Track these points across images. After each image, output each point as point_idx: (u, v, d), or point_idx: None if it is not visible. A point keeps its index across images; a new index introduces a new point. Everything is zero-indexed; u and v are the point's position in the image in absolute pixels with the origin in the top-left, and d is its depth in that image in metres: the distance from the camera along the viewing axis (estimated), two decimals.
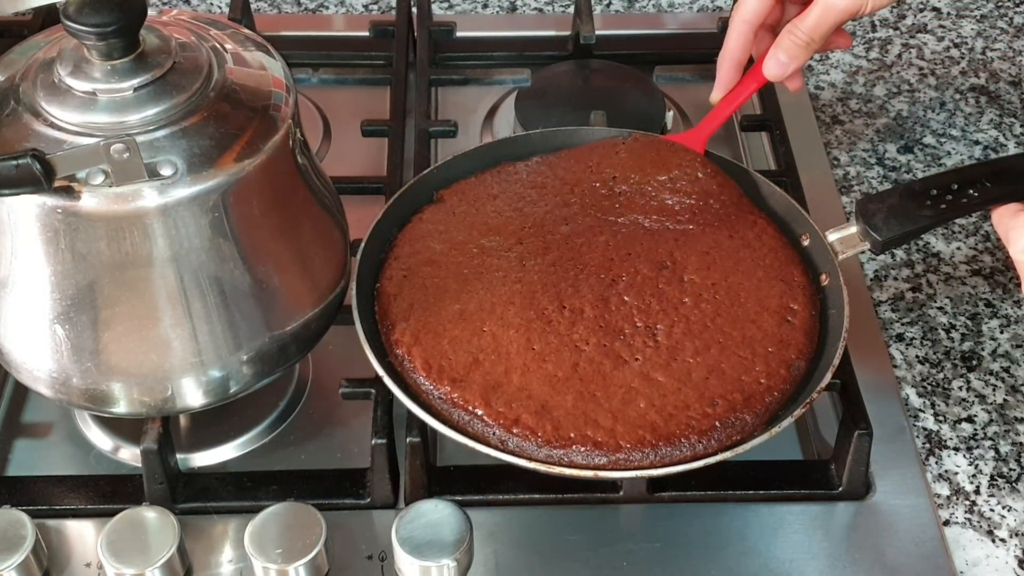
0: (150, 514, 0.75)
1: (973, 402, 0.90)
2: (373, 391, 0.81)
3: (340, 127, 1.10)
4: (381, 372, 0.78)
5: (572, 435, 0.75)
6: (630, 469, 0.74)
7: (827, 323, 0.82)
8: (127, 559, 0.73)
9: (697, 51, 1.19)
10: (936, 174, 0.84)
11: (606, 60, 1.14)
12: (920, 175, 1.07)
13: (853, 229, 0.84)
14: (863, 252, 0.85)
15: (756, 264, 0.84)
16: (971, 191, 0.82)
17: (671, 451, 0.75)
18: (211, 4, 1.28)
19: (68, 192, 0.68)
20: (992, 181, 0.82)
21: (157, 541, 0.74)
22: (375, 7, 1.28)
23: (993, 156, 1.10)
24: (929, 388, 0.90)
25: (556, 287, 0.82)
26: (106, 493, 0.81)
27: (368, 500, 0.80)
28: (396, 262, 0.85)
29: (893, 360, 0.92)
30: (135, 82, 0.70)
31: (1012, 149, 1.10)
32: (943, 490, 0.84)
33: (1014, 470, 0.85)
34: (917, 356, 0.93)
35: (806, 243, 0.86)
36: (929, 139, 1.12)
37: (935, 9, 1.27)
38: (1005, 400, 0.90)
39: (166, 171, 0.68)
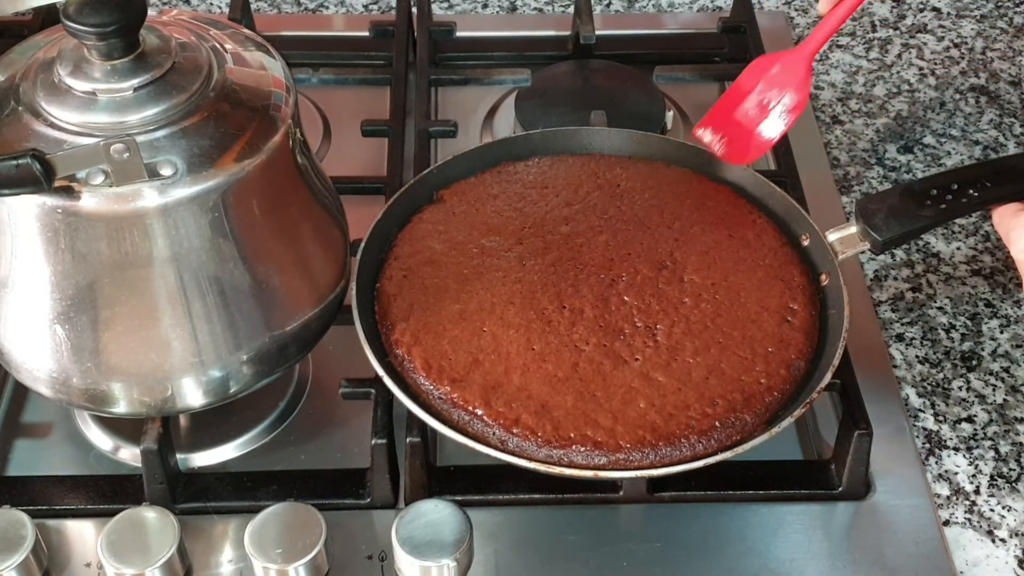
0: (150, 514, 0.75)
1: (973, 402, 0.90)
2: (373, 391, 0.81)
3: (340, 127, 1.10)
4: (381, 372, 0.78)
5: (572, 435, 0.75)
6: (630, 469, 0.74)
7: (827, 323, 0.82)
8: (127, 559, 0.73)
9: (697, 51, 1.19)
10: (936, 174, 0.84)
11: (606, 60, 1.14)
12: (920, 175, 1.07)
13: (853, 229, 0.84)
14: (863, 252, 0.85)
15: (756, 264, 0.85)
16: (971, 191, 0.82)
17: (671, 451, 0.75)
18: (211, 4, 1.28)
19: (68, 192, 0.68)
20: (992, 181, 0.82)
21: (157, 541, 0.74)
22: (375, 7, 1.28)
23: (993, 156, 1.10)
24: (929, 388, 0.90)
25: (556, 287, 0.83)
26: (106, 493, 0.81)
27: (368, 500, 0.80)
28: (396, 262, 0.85)
29: (893, 360, 0.92)
30: (135, 82, 0.70)
31: (1012, 149, 1.10)
32: (943, 490, 0.84)
33: (1014, 470, 0.85)
34: (917, 356, 0.93)
35: (806, 243, 0.86)
36: (929, 139, 1.12)
37: (935, 9, 1.27)
38: (1005, 400, 0.90)
39: (166, 171, 0.68)
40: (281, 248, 0.77)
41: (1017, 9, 1.27)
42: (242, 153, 0.71)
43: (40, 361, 0.75)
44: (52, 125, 0.69)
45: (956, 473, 0.85)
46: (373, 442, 0.79)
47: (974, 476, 0.85)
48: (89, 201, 0.68)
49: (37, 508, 0.79)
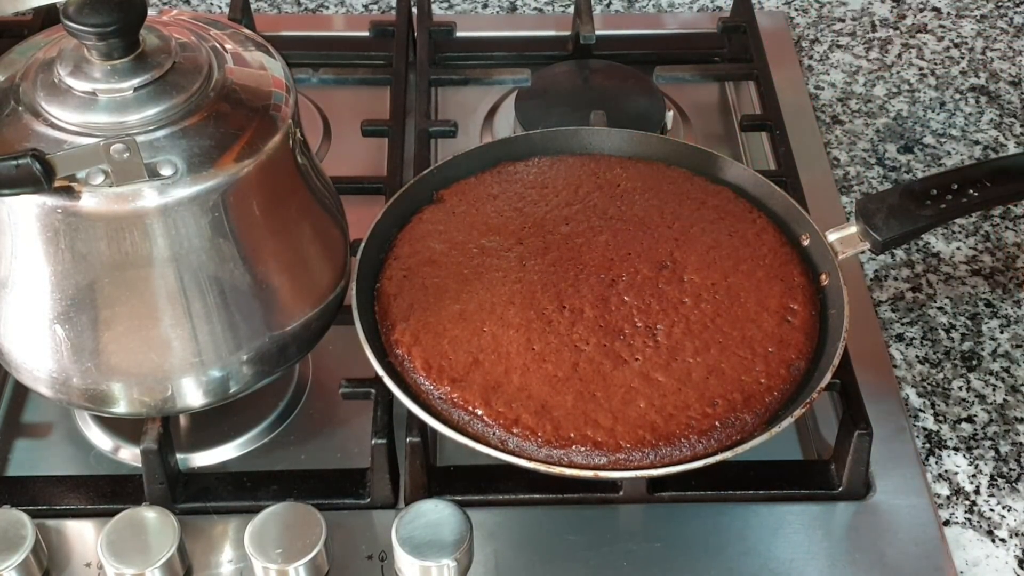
0: (150, 514, 0.75)
1: (973, 402, 0.90)
2: (373, 391, 0.81)
3: (340, 127, 1.10)
4: (381, 372, 0.78)
5: (572, 435, 0.75)
6: (630, 469, 0.74)
7: (827, 323, 0.82)
8: (127, 559, 0.73)
9: (697, 51, 1.19)
10: (936, 174, 0.84)
11: (606, 60, 1.14)
12: (920, 175, 1.07)
13: (853, 229, 0.84)
14: (863, 252, 0.85)
15: (756, 264, 0.84)
16: (971, 191, 0.82)
17: (671, 451, 0.75)
18: (211, 4, 1.28)
19: (68, 192, 0.68)
20: (992, 181, 0.82)
21: (157, 541, 0.74)
22: (375, 7, 1.28)
23: (993, 156, 1.10)
24: (929, 388, 0.90)
25: (556, 287, 0.83)
26: (106, 493, 0.81)
27: (368, 500, 0.80)
28: (396, 262, 0.85)
29: (893, 360, 0.92)
30: (135, 82, 0.70)
31: (1012, 149, 1.10)
32: (943, 490, 0.84)
33: (1014, 470, 0.85)
34: (917, 356, 0.93)
35: (806, 243, 0.86)
36: (929, 139, 1.12)
37: (935, 9, 1.27)
38: (1005, 400, 0.90)
39: (166, 171, 0.68)
40: (281, 248, 0.77)
41: (1017, 9, 1.27)
42: (242, 153, 0.71)
43: (40, 361, 0.75)
44: (52, 125, 0.69)
45: (956, 473, 0.85)
46: (373, 442, 0.79)
47: (974, 476, 0.85)
48: (89, 201, 0.68)
49: (37, 508, 0.79)
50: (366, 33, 1.17)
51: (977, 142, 1.11)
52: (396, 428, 0.81)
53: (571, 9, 1.19)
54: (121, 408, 0.77)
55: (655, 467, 0.74)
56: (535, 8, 1.27)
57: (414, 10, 1.18)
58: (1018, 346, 0.93)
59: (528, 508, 0.81)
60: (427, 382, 0.78)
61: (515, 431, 0.75)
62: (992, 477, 0.85)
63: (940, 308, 0.96)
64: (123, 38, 0.69)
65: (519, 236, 0.87)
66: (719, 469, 0.75)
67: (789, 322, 0.81)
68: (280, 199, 0.76)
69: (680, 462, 0.74)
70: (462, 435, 0.75)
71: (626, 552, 0.78)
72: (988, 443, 0.87)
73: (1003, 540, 0.81)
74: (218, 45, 0.75)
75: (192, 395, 0.77)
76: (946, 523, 0.82)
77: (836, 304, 0.82)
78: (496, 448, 0.75)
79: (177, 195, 0.69)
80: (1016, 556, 0.80)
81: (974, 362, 0.92)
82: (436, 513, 0.75)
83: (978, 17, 1.26)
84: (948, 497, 0.84)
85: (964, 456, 0.86)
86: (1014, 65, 1.20)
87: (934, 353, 0.93)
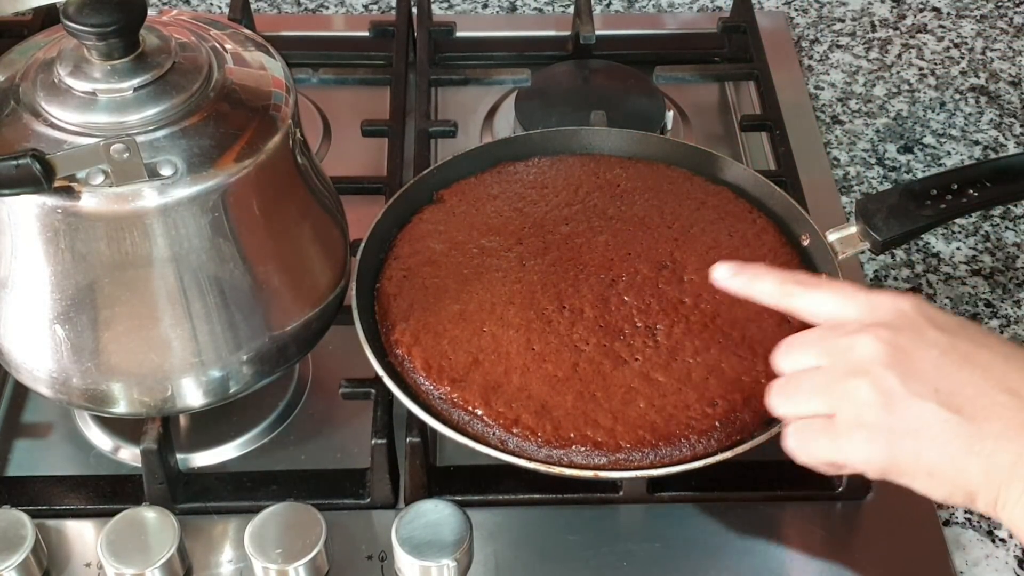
0: (150, 514, 0.75)
1: None
2: (373, 391, 0.81)
3: (340, 127, 1.10)
4: (381, 372, 0.78)
5: (572, 435, 0.75)
6: (630, 469, 0.74)
7: None
8: (127, 559, 0.73)
9: (697, 51, 1.19)
10: (936, 174, 0.84)
11: (606, 60, 1.14)
12: (920, 175, 1.07)
13: (853, 229, 0.84)
14: (863, 252, 0.85)
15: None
16: (971, 191, 0.82)
17: (671, 451, 0.75)
18: (211, 4, 1.28)
19: (68, 192, 0.68)
20: (992, 181, 0.82)
21: (157, 541, 0.74)
22: (375, 7, 1.28)
23: (993, 156, 1.10)
24: None
25: (556, 287, 0.83)
26: (106, 493, 0.81)
27: (368, 500, 0.80)
28: (396, 262, 0.85)
29: None
30: (135, 82, 0.70)
31: (1012, 149, 1.10)
32: None
33: None
34: None
35: (806, 243, 0.86)
36: (929, 139, 1.12)
37: (935, 9, 1.27)
38: None
39: (166, 171, 0.68)
40: (281, 248, 0.77)
41: (1017, 9, 1.27)
42: (242, 153, 0.71)
43: (40, 361, 0.75)
44: (52, 125, 0.69)
45: None
46: (373, 442, 0.79)
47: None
48: (89, 201, 0.68)
49: (37, 508, 0.79)
50: (366, 33, 1.17)
51: (977, 142, 1.11)
52: (396, 428, 0.81)
53: (571, 9, 1.19)
54: (121, 408, 0.77)
55: (655, 467, 0.74)
56: (535, 8, 1.27)
57: (414, 10, 1.18)
58: None
59: (528, 508, 0.81)
60: (427, 382, 0.78)
61: (515, 431, 0.75)
62: None
63: (940, 308, 0.96)
64: (123, 38, 0.69)
65: (519, 236, 0.87)
66: (719, 469, 0.75)
67: (789, 322, 0.81)
68: (280, 199, 0.76)
69: (680, 462, 0.74)
70: (462, 435, 0.75)
71: (626, 552, 0.78)
72: None
73: (1003, 540, 0.81)
74: (218, 45, 0.75)
75: (192, 395, 0.77)
76: (946, 523, 0.82)
77: None
78: (496, 448, 0.75)
79: (177, 195, 0.69)
80: (1016, 556, 0.80)
81: None
82: (436, 513, 0.75)
83: (978, 17, 1.26)
84: None
85: None
86: (1014, 65, 1.20)
87: None
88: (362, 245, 0.85)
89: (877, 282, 0.98)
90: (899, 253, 1.01)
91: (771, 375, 0.78)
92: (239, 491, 0.81)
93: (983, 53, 1.21)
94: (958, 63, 1.20)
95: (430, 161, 1.01)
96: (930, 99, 1.16)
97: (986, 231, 1.02)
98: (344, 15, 1.27)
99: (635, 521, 0.81)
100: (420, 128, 1.03)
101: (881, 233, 0.82)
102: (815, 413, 0.67)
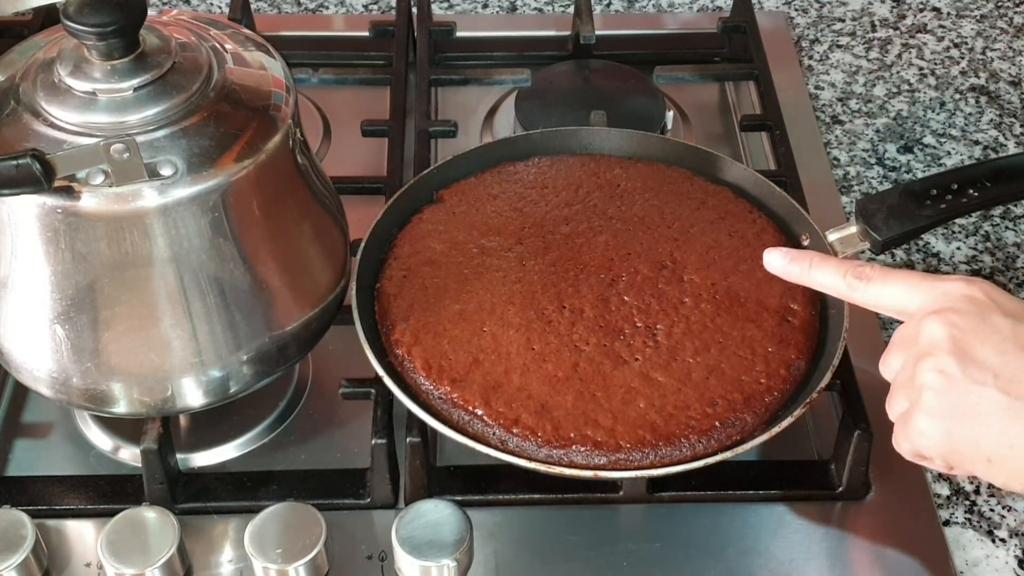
0: (150, 514, 0.75)
1: None
2: (373, 391, 0.81)
3: (340, 127, 1.10)
4: (381, 372, 0.78)
5: (572, 435, 0.75)
6: (630, 469, 0.74)
7: (827, 323, 0.82)
8: (127, 559, 0.73)
9: (697, 51, 1.19)
10: (936, 174, 0.84)
11: (606, 60, 1.14)
12: (920, 175, 1.07)
13: (853, 229, 0.83)
14: (863, 252, 0.85)
15: (756, 264, 0.84)
16: (971, 191, 0.82)
17: (671, 451, 0.75)
18: (211, 4, 1.28)
19: (68, 192, 0.68)
20: (992, 181, 0.82)
21: (157, 541, 0.74)
22: (375, 7, 1.28)
23: (993, 156, 1.10)
24: None
25: (556, 287, 0.83)
26: (106, 493, 0.81)
27: (368, 500, 0.80)
28: (396, 262, 0.85)
29: None
30: (135, 82, 0.70)
31: (1012, 149, 1.10)
32: (943, 490, 0.84)
33: None
34: None
35: (806, 243, 0.86)
36: (929, 139, 1.12)
37: (935, 9, 1.27)
38: None
39: (166, 171, 0.68)
40: (281, 248, 0.77)
41: (1017, 9, 1.27)
42: (242, 153, 0.71)
43: (40, 361, 0.75)
44: (52, 125, 0.69)
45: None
46: (373, 442, 0.79)
47: (974, 476, 0.85)
48: (89, 201, 0.68)
49: (37, 508, 0.79)
50: (366, 33, 1.17)
51: (977, 142, 1.11)
52: (396, 428, 0.81)
53: (571, 9, 1.19)
54: (121, 408, 0.77)
55: (655, 467, 0.74)
56: (535, 8, 1.27)
57: (414, 10, 1.18)
58: None
59: (528, 508, 0.81)
60: (427, 382, 0.78)
61: (515, 431, 0.75)
62: None
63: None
64: (123, 38, 0.69)
65: (519, 236, 0.87)
66: (719, 469, 0.75)
67: (789, 322, 0.81)
68: (280, 199, 0.76)
69: (680, 462, 0.74)
70: (462, 435, 0.75)
71: (626, 552, 0.78)
72: None
73: (1003, 540, 0.81)
74: (218, 45, 0.75)
75: (192, 395, 0.77)
76: (946, 523, 0.82)
77: (836, 304, 0.82)
78: (496, 448, 0.75)
79: (177, 195, 0.69)
80: (1016, 556, 0.80)
81: None
82: (436, 513, 0.75)
83: (978, 17, 1.26)
84: (948, 497, 0.84)
85: None
86: (1014, 65, 1.20)
87: None
88: (362, 245, 0.85)
89: None
90: (899, 253, 1.01)
91: (771, 375, 0.78)
92: (239, 491, 0.81)
93: (983, 53, 1.21)
94: (958, 63, 1.20)
95: (430, 161, 1.01)
96: (930, 99, 1.16)
97: (986, 231, 1.02)
98: (344, 15, 1.27)
99: (635, 521, 0.81)
100: (420, 128, 1.03)
101: (881, 233, 0.82)
102: (904, 408, 0.68)
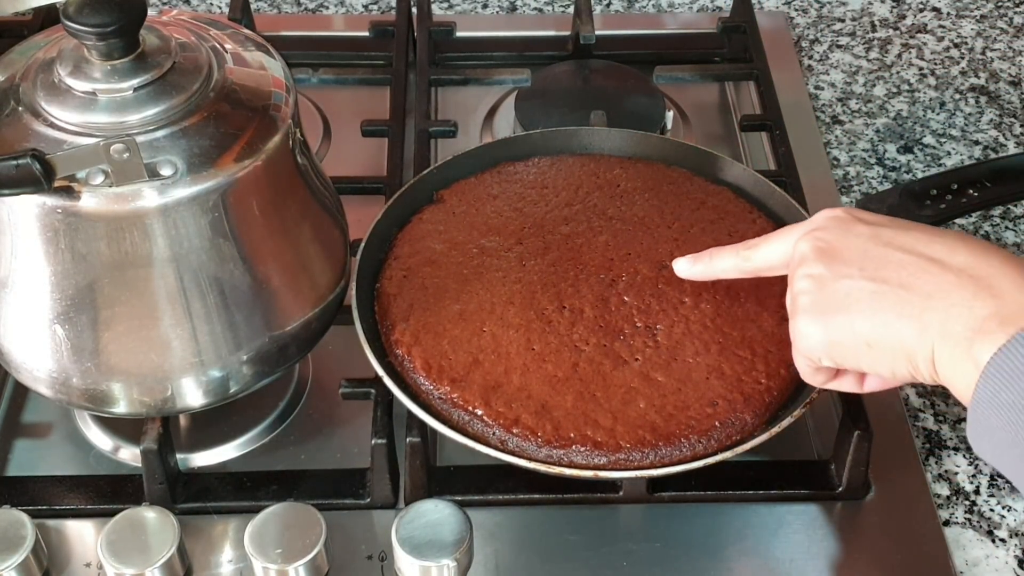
0: (150, 514, 0.75)
1: None
2: (373, 391, 0.81)
3: (340, 127, 1.10)
4: (381, 372, 0.78)
5: (572, 435, 0.75)
6: (630, 469, 0.74)
7: None
8: (127, 559, 0.73)
9: (697, 51, 1.19)
10: (936, 174, 0.84)
11: (606, 60, 1.14)
12: (920, 175, 1.07)
13: None
14: None
15: None
16: (971, 191, 0.82)
17: (671, 451, 0.75)
18: (211, 4, 1.28)
19: (68, 192, 0.68)
20: (992, 181, 0.82)
21: (157, 541, 0.74)
22: (375, 7, 1.28)
23: (993, 156, 1.10)
24: (929, 388, 0.90)
25: (556, 287, 0.83)
26: (106, 493, 0.81)
27: (368, 500, 0.80)
28: (396, 262, 0.85)
29: None
30: (135, 82, 0.70)
31: (1012, 149, 1.10)
32: (943, 490, 0.84)
33: None
34: None
35: None
36: (929, 139, 1.12)
37: (935, 9, 1.27)
38: None
39: (166, 171, 0.68)
40: (281, 248, 0.77)
41: (1017, 9, 1.27)
42: (242, 153, 0.71)
43: (40, 361, 0.75)
44: (52, 125, 0.69)
45: (956, 473, 0.85)
46: (373, 442, 0.79)
47: (974, 476, 0.85)
48: (89, 201, 0.68)
49: (37, 508, 0.79)
50: (366, 33, 1.17)
51: (977, 142, 1.11)
52: (396, 428, 0.81)
53: (571, 9, 1.19)
54: (121, 408, 0.77)
55: (655, 467, 0.74)
56: (535, 8, 1.27)
57: (414, 10, 1.18)
58: None
59: (528, 508, 0.81)
60: (427, 382, 0.78)
61: (515, 431, 0.75)
62: (992, 477, 0.85)
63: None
64: (123, 38, 0.69)
65: (519, 236, 0.87)
66: (719, 469, 0.75)
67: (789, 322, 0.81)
68: (280, 199, 0.76)
69: (680, 462, 0.74)
70: (462, 435, 0.75)
71: (626, 552, 0.78)
72: None
73: (1003, 540, 0.81)
74: (218, 45, 0.75)
75: (192, 395, 0.77)
76: (946, 523, 0.82)
77: None
78: (496, 448, 0.75)
79: (177, 195, 0.69)
80: (1016, 556, 0.80)
81: None
82: (436, 513, 0.75)
83: (978, 17, 1.26)
84: (948, 497, 0.84)
85: (964, 456, 0.86)
86: (1014, 65, 1.20)
87: None
88: (362, 245, 0.85)
89: None
90: None
91: (771, 375, 0.78)
92: (239, 491, 0.81)
93: (983, 53, 1.21)
94: (958, 63, 1.20)
95: (430, 161, 1.01)
96: (930, 99, 1.16)
97: (986, 231, 1.02)
98: (344, 15, 1.27)
99: (635, 521, 0.81)
100: (420, 128, 1.04)
101: None
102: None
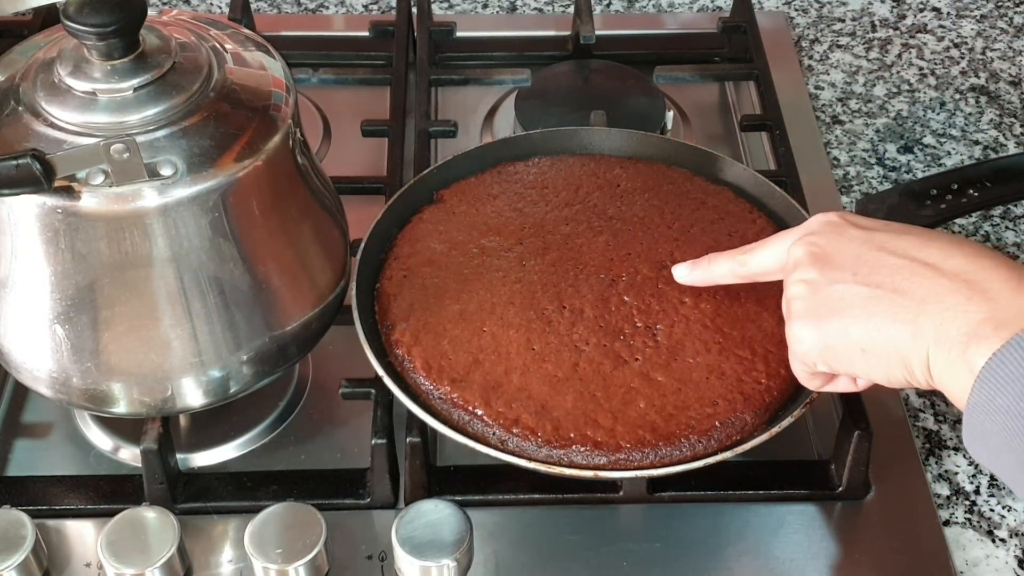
0: (150, 514, 0.75)
1: None
2: (373, 391, 0.81)
3: (340, 127, 1.10)
4: (381, 372, 0.78)
5: (572, 435, 0.75)
6: (630, 469, 0.74)
7: None
8: (127, 559, 0.73)
9: (697, 51, 1.19)
10: (936, 174, 0.84)
11: (606, 60, 1.14)
12: (920, 175, 1.07)
13: None
14: None
15: None
16: (971, 191, 0.82)
17: (671, 451, 0.75)
18: (211, 4, 1.28)
19: (68, 192, 0.68)
20: (992, 181, 0.82)
21: (157, 541, 0.74)
22: (375, 7, 1.28)
23: (993, 156, 1.10)
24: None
25: (556, 287, 0.83)
26: (106, 493, 0.81)
27: (368, 500, 0.80)
28: (396, 262, 0.85)
29: None
30: (135, 82, 0.70)
31: (1012, 149, 1.10)
32: (943, 490, 0.84)
33: None
34: None
35: None
36: (929, 139, 1.12)
37: (935, 9, 1.27)
38: None
39: (166, 171, 0.68)
40: (281, 248, 0.77)
41: (1017, 9, 1.27)
42: (242, 153, 0.71)
43: (40, 361, 0.75)
44: (52, 125, 0.69)
45: (956, 473, 0.85)
46: (373, 442, 0.79)
47: (974, 476, 0.85)
48: (89, 201, 0.68)
49: (37, 508, 0.79)
50: (366, 33, 1.17)
51: (977, 142, 1.11)
52: (396, 428, 0.81)
53: (571, 9, 1.19)
54: (121, 408, 0.77)
55: (655, 467, 0.74)
56: (535, 8, 1.27)
57: (414, 10, 1.18)
58: None
59: (528, 508, 0.81)
60: (427, 382, 0.78)
61: (515, 431, 0.75)
62: (992, 477, 0.85)
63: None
64: (123, 38, 0.69)
65: (519, 236, 0.87)
66: (719, 469, 0.75)
67: None
68: (280, 199, 0.76)
69: (680, 462, 0.74)
70: (462, 435, 0.75)
71: (626, 552, 0.78)
72: None
73: (1003, 540, 0.81)
74: (218, 45, 0.75)
75: (192, 395, 0.77)
76: (946, 523, 0.82)
77: None
78: (496, 448, 0.75)
79: (177, 195, 0.69)
80: (1016, 556, 0.80)
81: None
82: (436, 513, 0.75)
83: (978, 17, 1.26)
84: (948, 497, 0.84)
85: (964, 456, 0.86)
86: (1014, 65, 1.20)
87: None
88: (362, 245, 0.85)
89: None
90: None
91: (771, 375, 0.78)
92: (239, 491, 0.81)
93: (983, 53, 1.21)
94: (958, 63, 1.20)
95: (430, 161, 1.01)
96: (930, 99, 1.16)
97: (986, 231, 1.02)
98: (344, 15, 1.27)
99: (635, 521, 0.81)
100: (420, 128, 1.04)
101: None
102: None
